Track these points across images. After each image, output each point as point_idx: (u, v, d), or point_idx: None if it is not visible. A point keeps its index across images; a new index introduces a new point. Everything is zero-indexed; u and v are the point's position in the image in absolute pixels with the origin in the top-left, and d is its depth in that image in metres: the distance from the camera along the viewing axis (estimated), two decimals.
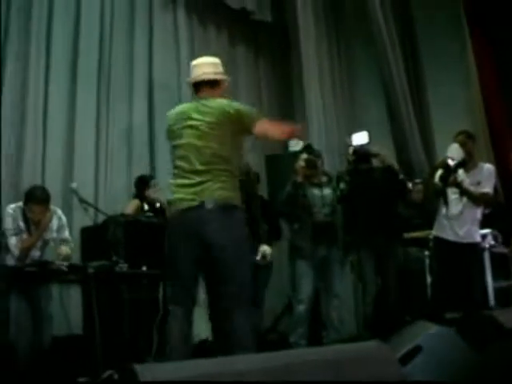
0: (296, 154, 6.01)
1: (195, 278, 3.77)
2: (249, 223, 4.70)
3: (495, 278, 6.26)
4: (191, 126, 3.78)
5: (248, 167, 5.60)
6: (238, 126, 3.78)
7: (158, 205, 5.62)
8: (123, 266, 4.76)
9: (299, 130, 4.18)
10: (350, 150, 5.43)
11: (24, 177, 5.72)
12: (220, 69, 4.03)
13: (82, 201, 5.13)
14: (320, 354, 2.21)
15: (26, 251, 5.02)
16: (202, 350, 5.33)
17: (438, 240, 5.49)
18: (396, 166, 5.82)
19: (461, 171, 5.25)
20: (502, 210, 6.99)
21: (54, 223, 5.25)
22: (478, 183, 5.34)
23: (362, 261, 5.51)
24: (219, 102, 3.83)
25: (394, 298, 5.47)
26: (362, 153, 5.37)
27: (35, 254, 5.12)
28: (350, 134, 5.75)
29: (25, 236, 5.08)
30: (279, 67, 8.83)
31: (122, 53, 6.86)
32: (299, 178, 5.49)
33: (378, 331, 4.85)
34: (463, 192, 5.28)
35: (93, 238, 5.41)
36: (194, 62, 4.06)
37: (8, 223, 5.05)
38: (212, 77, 3.93)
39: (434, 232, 5.55)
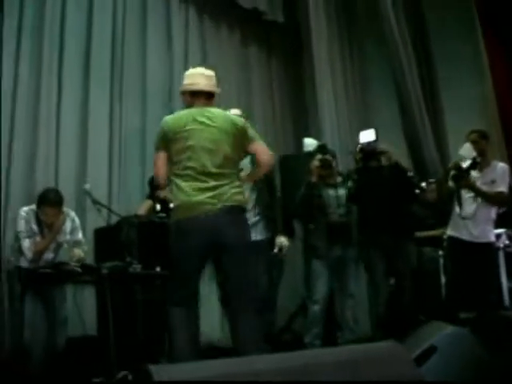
0: (310, 155, 6.00)
1: (200, 279, 3.92)
2: (267, 216, 4.77)
3: (510, 277, 6.21)
4: (201, 129, 3.83)
5: None
6: (241, 139, 3.92)
7: (171, 205, 5.62)
8: (137, 267, 4.75)
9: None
10: (357, 148, 5.41)
11: (37, 179, 5.71)
12: (215, 81, 4.16)
13: (95, 202, 5.13)
14: (336, 355, 2.21)
15: (39, 254, 5.03)
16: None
17: (453, 240, 5.47)
18: (404, 164, 5.79)
19: (474, 172, 5.24)
20: None
21: (68, 225, 5.26)
22: (492, 182, 5.32)
23: (372, 260, 5.49)
24: (224, 113, 4.03)
25: (408, 298, 5.44)
26: (368, 150, 5.34)
27: (48, 256, 5.14)
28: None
29: (38, 239, 5.08)
30: (291, 67, 8.79)
31: (135, 52, 6.85)
32: (314, 179, 5.48)
33: (391, 332, 4.83)
34: (477, 193, 5.26)
35: (106, 239, 5.42)
36: (192, 71, 4.17)
37: (21, 226, 5.05)
38: (214, 89, 4.09)
39: (449, 232, 5.53)
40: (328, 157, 5.55)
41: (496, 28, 8.52)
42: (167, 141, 3.82)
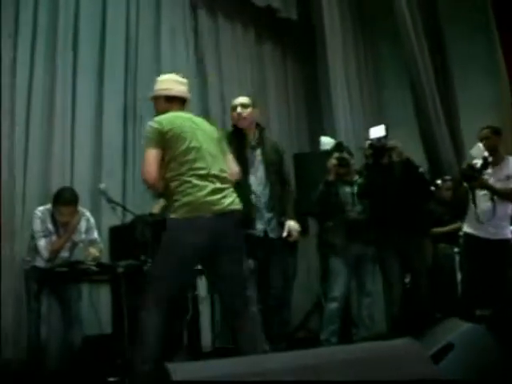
0: (326, 153, 6.00)
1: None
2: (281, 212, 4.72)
3: None
4: (198, 132, 3.84)
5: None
6: (221, 147, 4.00)
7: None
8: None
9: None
10: (367, 144, 5.38)
11: (52, 179, 5.74)
12: (188, 88, 4.17)
13: (110, 201, 5.14)
14: (352, 352, 2.20)
15: (55, 253, 5.06)
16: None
17: (469, 237, 5.45)
18: (418, 161, 5.76)
19: (487, 170, 5.22)
20: None
21: (83, 225, 5.28)
22: (507, 178, 5.29)
23: (385, 258, 5.47)
24: (203, 119, 4.12)
25: (424, 295, 5.42)
26: (378, 146, 5.31)
27: (64, 255, 5.16)
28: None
29: (54, 238, 5.11)
30: (306, 66, 8.78)
31: (148, 52, 6.86)
32: (331, 177, 5.47)
33: (407, 329, 4.81)
34: (491, 191, 5.24)
35: (121, 238, 5.44)
36: (165, 77, 4.16)
37: (37, 225, 5.08)
38: (188, 95, 4.12)
39: (465, 228, 5.51)
40: (345, 155, 5.54)
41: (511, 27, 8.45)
42: (164, 140, 3.73)
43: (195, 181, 3.67)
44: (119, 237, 5.56)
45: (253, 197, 4.62)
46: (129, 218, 5.52)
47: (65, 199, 5.07)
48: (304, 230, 6.31)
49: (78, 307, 5.26)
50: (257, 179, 4.71)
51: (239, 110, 4.75)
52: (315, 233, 6.51)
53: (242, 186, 4.27)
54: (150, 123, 3.79)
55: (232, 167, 4.01)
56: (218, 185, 3.73)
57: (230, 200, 3.74)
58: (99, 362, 4.75)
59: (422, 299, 5.38)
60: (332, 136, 7.04)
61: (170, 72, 6.75)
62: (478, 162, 5.24)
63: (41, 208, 5.17)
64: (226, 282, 3.80)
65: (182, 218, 3.64)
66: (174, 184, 3.70)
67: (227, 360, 1.95)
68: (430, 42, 7.91)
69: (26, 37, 5.80)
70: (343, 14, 8.32)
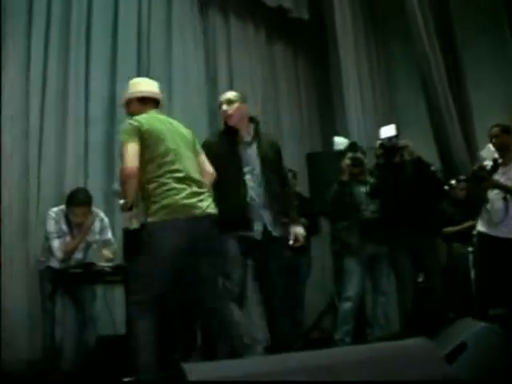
0: (339, 153, 6.00)
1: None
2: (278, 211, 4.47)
3: None
4: (179, 134, 3.86)
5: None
6: (195, 148, 3.98)
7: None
8: None
9: None
10: (377, 144, 5.37)
11: (66, 180, 5.78)
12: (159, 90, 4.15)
13: None
14: (366, 353, 2.21)
15: (69, 254, 5.08)
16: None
17: (482, 236, 5.43)
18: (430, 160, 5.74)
19: (499, 170, 5.22)
20: None
21: (97, 225, 5.30)
22: None
23: (397, 258, 5.46)
24: (177, 122, 4.05)
25: (438, 294, 5.40)
26: (389, 146, 5.30)
27: (78, 256, 5.19)
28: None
29: (68, 239, 5.13)
30: (318, 66, 8.78)
31: (160, 47, 6.91)
32: (346, 177, 5.47)
33: (421, 329, 4.80)
34: (504, 190, 5.22)
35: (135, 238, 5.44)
36: (137, 80, 4.16)
37: (51, 226, 5.10)
38: (161, 96, 4.09)
39: (478, 227, 5.49)
40: (359, 155, 5.55)
41: None
42: (142, 139, 3.70)
43: (174, 183, 3.65)
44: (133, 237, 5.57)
45: (250, 196, 4.30)
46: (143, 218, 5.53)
47: (79, 200, 5.09)
48: (315, 230, 6.35)
49: (93, 308, 5.30)
50: (253, 177, 4.36)
51: (224, 107, 4.42)
52: (328, 232, 6.51)
53: (236, 186, 4.22)
54: (129, 121, 3.78)
55: (206, 168, 3.98)
56: (195, 188, 3.72)
57: (207, 204, 3.73)
58: (114, 362, 4.76)
59: (435, 299, 5.36)
60: (344, 136, 7.04)
61: (182, 70, 6.84)
62: (489, 164, 5.23)
63: (55, 209, 5.19)
64: (202, 283, 3.79)
65: (161, 220, 3.61)
66: (151, 186, 3.67)
67: (242, 360, 1.96)
68: (441, 41, 7.88)
69: (39, 27, 5.88)
70: (355, 14, 8.30)
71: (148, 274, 3.62)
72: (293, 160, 7.49)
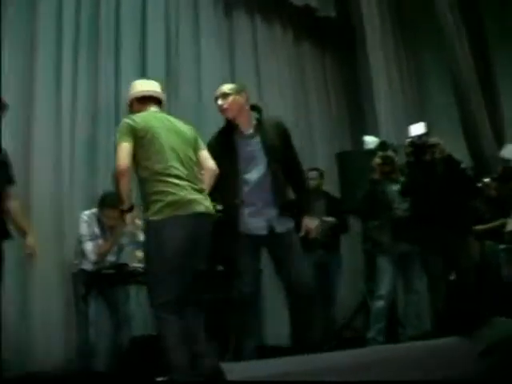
0: (370, 152, 6.00)
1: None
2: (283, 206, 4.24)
3: None
4: (172, 133, 3.85)
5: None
6: (196, 145, 3.99)
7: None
8: None
9: None
10: (407, 142, 5.35)
11: (98, 183, 5.84)
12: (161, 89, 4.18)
13: None
14: (399, 351, 2.22)
15: (102, 257, 5.12)
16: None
17: None
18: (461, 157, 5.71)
19: None
20: None
21: (129, 228, 5.33)
22: None
23: (428, 255, 5.44)
24: (177, 119, 4.05)
25: (470, 293, 5.38)
26: (419, 144, 5.27)
27: (111, 259, 5.23)
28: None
29: (100, 241, 5.17)
30: (346, 65, 8.75)
31: (188, 54, 6.96)
32: (377, 176, 5.47)
33: (454, 328, 4.78)
34: None
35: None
36: (139, 81, 4.19)
37: (84, 229, 5.15)
38: (162, 96, 4.11)
39: (510, 226, 5.46)
40: (389, 153, 5.54)
41: None
42: (137, 137, 3.71)
43: (175, 180, 3.66)
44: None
45: (252, 192, 4.16)
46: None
47: (111, 203, 5.13)
48: (345, 229, 6.37)
49: (126, 309, 5.34)
50: (258, 172, 4.18)
51: (219, 102, 4.26)
52: (357, 231, 6.52)
53: (229, 186, 4.17)
54: (124, 120, 3.80)
55: (208, 164, 3.99)
56: (195, 186, 3.74)
57: (207, 203, 3.76)
58: (147, 362, 4.79)
59: (468, 297, 5.34)
60: (374, 134, 7.02)
61: (209, 72, 6.83)
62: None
63: (87, 212, 5.24)
64: (195, 278, 3.81)
65: (167, 217, 3.60)
66: (150, 184, 3.69)
67: (279, 359, 1.98)
68: (470, 37, 7.82)
69: (69, 35, 5.99)
70: (383, 15, 8.26)
71: (164, 273, 3.62)
72: (323, 160, 7.50)
